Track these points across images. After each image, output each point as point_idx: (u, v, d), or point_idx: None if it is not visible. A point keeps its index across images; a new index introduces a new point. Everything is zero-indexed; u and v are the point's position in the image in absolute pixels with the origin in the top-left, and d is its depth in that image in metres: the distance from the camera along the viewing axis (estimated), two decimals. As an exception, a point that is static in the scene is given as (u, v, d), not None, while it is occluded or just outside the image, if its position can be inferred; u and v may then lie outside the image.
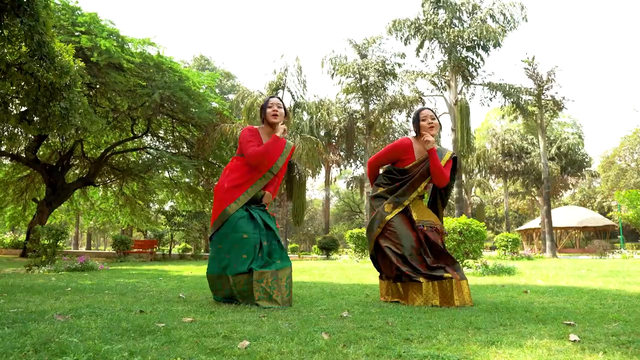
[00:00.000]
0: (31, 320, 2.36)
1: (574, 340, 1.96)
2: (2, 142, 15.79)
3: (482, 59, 21.56)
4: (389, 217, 3.44)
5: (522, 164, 31.76)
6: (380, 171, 3.81)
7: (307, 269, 8.78)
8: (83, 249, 41.28)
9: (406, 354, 1.71)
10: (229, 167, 3.47)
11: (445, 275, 3.18)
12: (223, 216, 3.28)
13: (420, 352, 1.72)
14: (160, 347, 1.76)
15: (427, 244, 3.38)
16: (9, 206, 20.30)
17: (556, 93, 22.81)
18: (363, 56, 23.32)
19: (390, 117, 24.48)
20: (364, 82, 22.36)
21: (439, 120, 3.59)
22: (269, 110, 3.45)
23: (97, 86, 15.23)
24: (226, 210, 3.28)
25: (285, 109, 3.56)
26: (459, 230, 7.35)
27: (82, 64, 10.23)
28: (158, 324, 2.29)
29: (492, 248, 29.64)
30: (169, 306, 3.04)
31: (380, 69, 22.13)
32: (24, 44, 8.80)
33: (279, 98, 3.58)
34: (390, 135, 28.74)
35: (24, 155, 16.70)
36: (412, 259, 3.30)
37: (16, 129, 13.69)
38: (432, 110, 3.64)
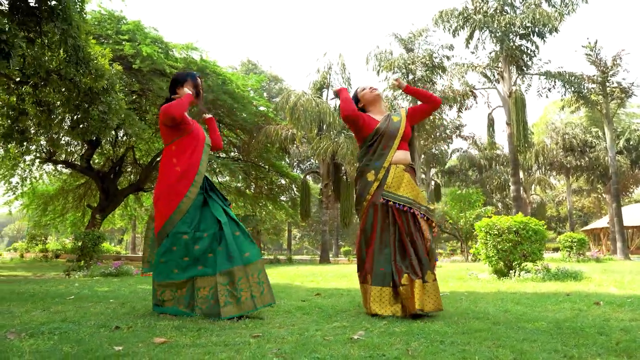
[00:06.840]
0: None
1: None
2: (58, 151, 16.35)
3: (537, 47, 20.06)
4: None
5: (586, 159, 29.51)
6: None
7: (349, 273, 8.23)
8: (140, 253, 42.70)
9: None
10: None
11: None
12: None
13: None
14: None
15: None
16: (69, 212, 21.17)
17: (623, 79, 20.86)
18: (409, 50, 22.42)
19: (440, 112, 23.36)
20: (411, 77, 21.47)
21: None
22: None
23: (142, 93, 15.43)
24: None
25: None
26: (514, 229, 6.53)
27: (119, 67, 10.24)
28: (116, 347, 1.84)
29: (555, 250, 27.75)
30: (157, 321, 2.60)
31: (427, 62, 21.16)
32: (62, 49, 8.88)
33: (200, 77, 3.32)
34: (443, 133, 27.58)
35: (78, 163, 17.28)
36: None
37: (62, 137, 14.00)
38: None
